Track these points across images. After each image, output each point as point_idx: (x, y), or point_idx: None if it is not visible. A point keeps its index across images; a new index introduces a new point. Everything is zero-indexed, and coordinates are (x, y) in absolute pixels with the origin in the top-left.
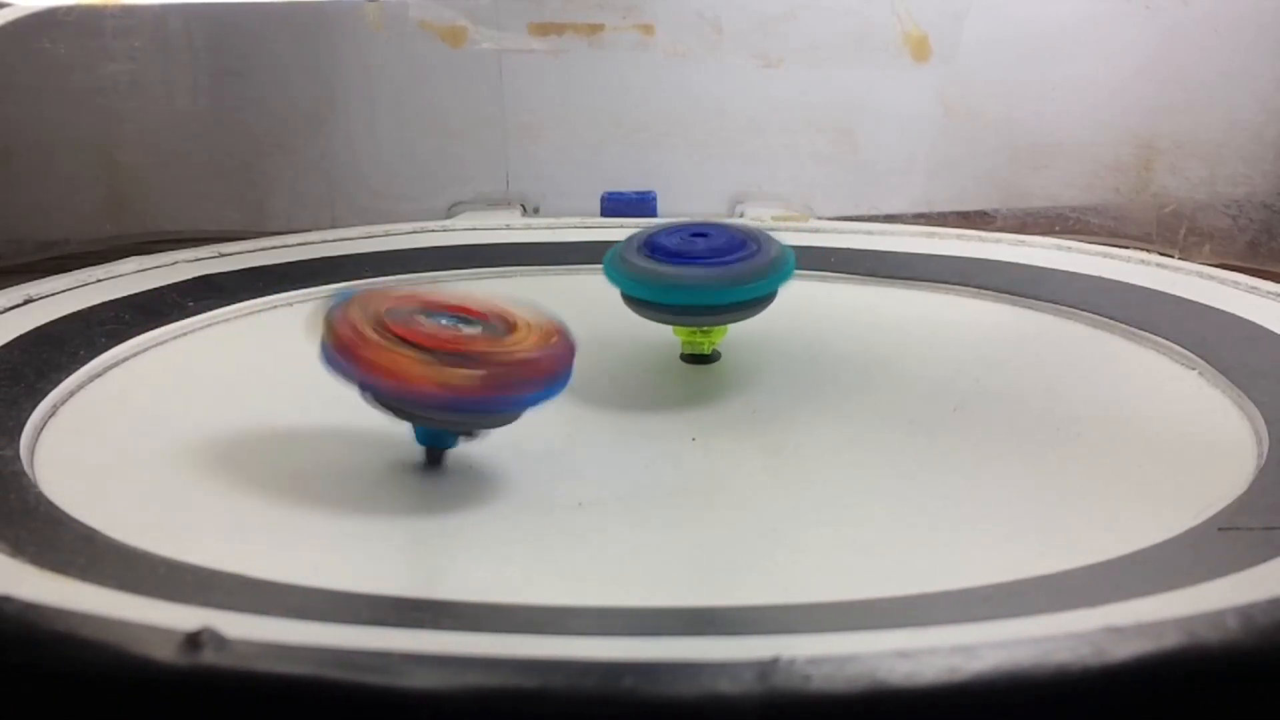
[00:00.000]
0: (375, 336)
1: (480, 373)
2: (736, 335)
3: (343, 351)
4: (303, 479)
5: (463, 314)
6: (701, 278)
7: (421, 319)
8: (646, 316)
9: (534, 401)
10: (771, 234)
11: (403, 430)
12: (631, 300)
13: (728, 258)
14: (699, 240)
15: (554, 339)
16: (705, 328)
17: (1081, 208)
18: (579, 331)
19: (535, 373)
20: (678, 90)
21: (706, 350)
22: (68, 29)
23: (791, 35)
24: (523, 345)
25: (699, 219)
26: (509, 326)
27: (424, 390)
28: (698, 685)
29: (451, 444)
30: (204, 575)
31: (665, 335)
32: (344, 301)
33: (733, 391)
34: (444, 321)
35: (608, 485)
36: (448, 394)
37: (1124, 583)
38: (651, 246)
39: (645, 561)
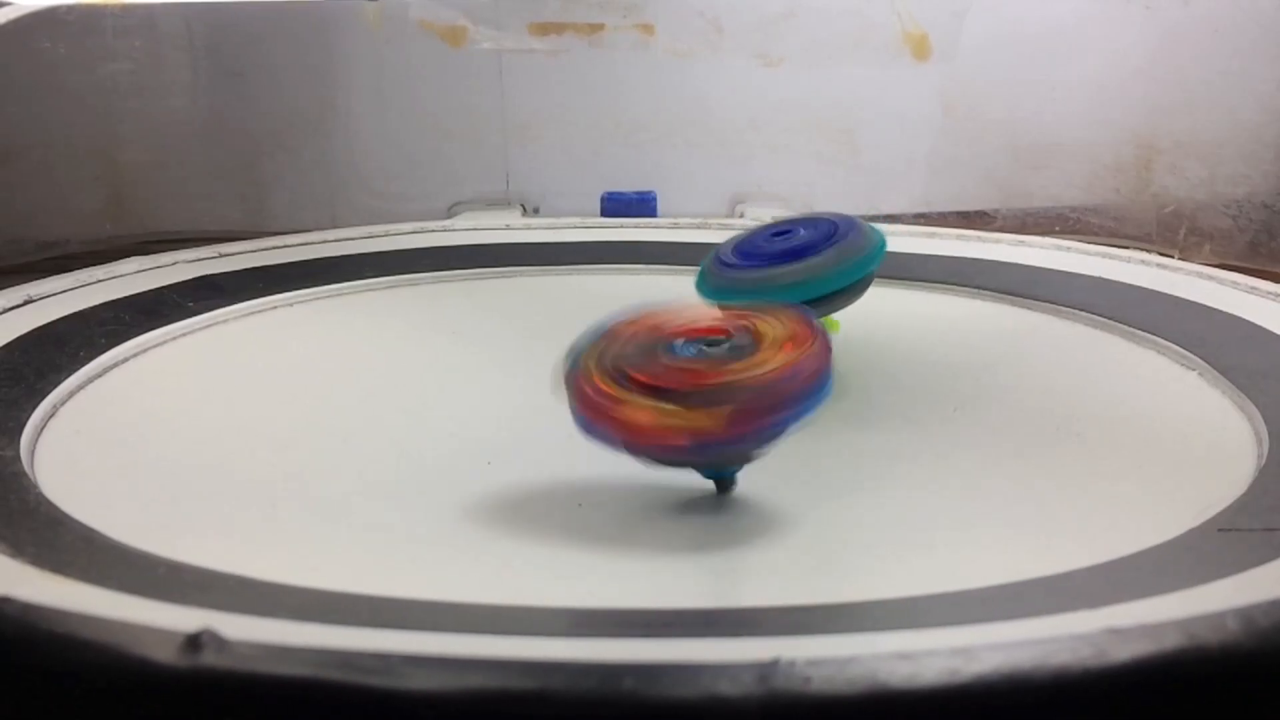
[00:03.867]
0: (616, 390)
1: (728, 409)
2: None
3: (589, 412)
4: (302, 479)
5: (704, 335)
6: (783, 275)
7: (661, 354)
8: None
9: (794, 421)
10: (856, 221)
11: (406, 429)
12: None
13: (811, 251)
14: (781, 239)
15: (806, 344)
16: None
17: (1081, 208)
18: (575, 331)
19: (788, 393)
20: (678, 90)
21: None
22: (68, 29)
23: (791, 35)
24: (771, 362)
25: (785, 217)
26: (755, 337)
27: (675, 443)
28: (698, 686)
29: (731, 474)
30: (204, 576)
31: None
32: (581, 353)
33: None
34: (688, 351)
35: (608, 485)
36: (698, 441)
37: (1124, 583)
38: (738, 253)
39: (645, 562)
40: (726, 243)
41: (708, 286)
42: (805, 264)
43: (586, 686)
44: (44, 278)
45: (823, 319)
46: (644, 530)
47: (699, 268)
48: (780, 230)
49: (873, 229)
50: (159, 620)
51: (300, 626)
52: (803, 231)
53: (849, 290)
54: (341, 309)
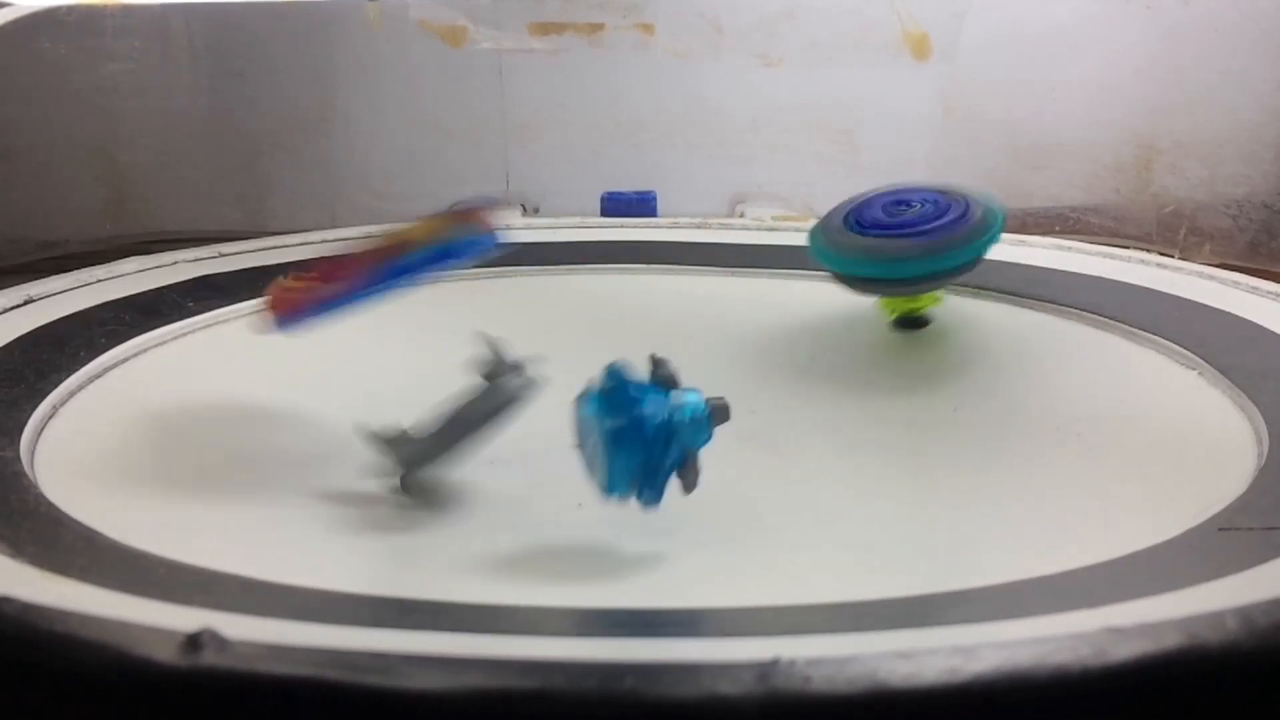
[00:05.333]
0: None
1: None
2: (736, 336)
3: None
4: (302, 479)
5: None
6: (908, 249)
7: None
8: (856, 290)
9: (415, 268)
10: (975, 192)
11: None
12: (841, 277)
13: (932, 226)
14: (902, 210)
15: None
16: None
17: (1082, 208)
18: (576, 331)
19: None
20: (678, 90)
21: (921, 312)
22: (68, 29)
23: (791, 35)
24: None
25: (901, 186)
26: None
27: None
28: (698, 686)
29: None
30: (204, 576)
31: (664, 334)
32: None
33: (733, 392)
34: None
35: None
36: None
37: (1124, 583)
38: (856, 220)
39: (645, 562)
40: (841, 207)
41: (826, 251)
42: (929, 240)
43: (587, 686)
44: (44, 278)
45: (925, 294)
46: (644, 531)
47: (810, 231)
48: (899, 199)
49: (990, 204)
50: (159, 620)
51: (300, 626)
52: (923, 204)
53: (966, 266)
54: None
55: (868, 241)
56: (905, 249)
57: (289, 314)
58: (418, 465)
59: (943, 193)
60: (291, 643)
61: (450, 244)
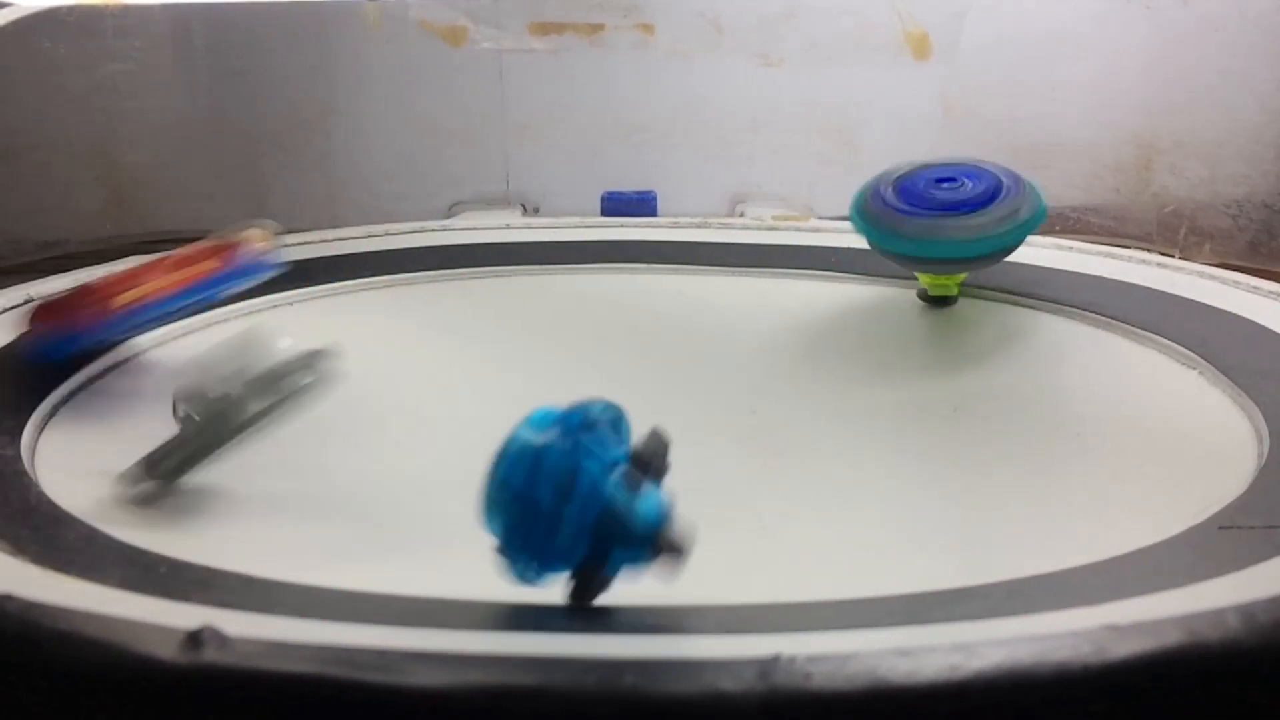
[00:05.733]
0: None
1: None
2: (736, 336)
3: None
4: (302, 477)
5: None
6: (952, 230)
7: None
8: (895, 263)
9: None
10: (1018, 176)
11: (406, 428)
12: (886, 254)
13: (978, 207)
14: (947, 187)
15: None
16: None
17: (1082, 208)
18: (575, 331)
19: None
20: (678, 90)
21: (953, 291)
22: (68, 29)
23: (791, 35)
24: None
25: (949, 161)
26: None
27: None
28: (699, 683)
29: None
30: (205, 574)
31: (664, 334)
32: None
33: (733, 391)
34: None
35: None
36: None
37: (1125, 581)
38: (901, 195)
39: None
40: (885, 177)
41: (870, 226)
42: (973, 220)
43: (587, 683)
44: (44, 278)
45: (945, 279)
46: None
47: (855, 198)
48: (944, 176)
49: (1032, 187)
50: (160, 617)
51: (301, 624)
52: (970, 183)
53: (1006, 250)
54: (341, 309)
55: (908, 219)
56: (942, 230)
57: (43, 341)
58: (169, 465)
59: (989, 174)
60: (292, 639)
61: (226, 271)
